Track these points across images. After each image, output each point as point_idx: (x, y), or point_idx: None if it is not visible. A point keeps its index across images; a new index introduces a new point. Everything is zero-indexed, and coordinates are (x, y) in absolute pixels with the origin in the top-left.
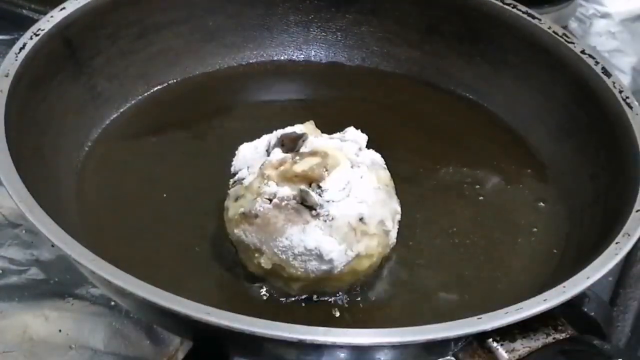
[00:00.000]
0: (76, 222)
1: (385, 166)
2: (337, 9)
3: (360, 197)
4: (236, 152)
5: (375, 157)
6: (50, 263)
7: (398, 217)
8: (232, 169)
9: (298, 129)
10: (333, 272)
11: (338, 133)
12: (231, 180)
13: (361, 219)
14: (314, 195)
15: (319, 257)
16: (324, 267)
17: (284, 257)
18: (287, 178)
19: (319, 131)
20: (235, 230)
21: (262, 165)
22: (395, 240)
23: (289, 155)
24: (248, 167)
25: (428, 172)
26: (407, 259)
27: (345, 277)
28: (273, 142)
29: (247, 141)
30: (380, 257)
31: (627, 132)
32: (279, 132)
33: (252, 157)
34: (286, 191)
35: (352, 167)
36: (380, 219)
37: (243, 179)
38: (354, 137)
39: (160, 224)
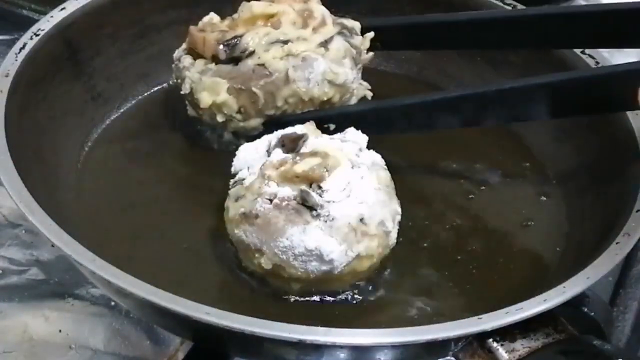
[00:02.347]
0: (76, 222)
1: (385, 167)
2: (337, 9)
3: (360, 198)
4: (236, 152)
5: (376, 157)
6: (50, 263)
7: (398, 217)
8: (233, 169)
9: (298, 129)
10: (333, 272)
11: (338, 134)
12: (231, 181)
13: (361, 220)
14: (314, 196)
15: (320, 257)
16: (325, 267)
17: (284, 257)
18: (288, 178)
19: (319, 131)
20: (236, 231)
21: (263, 165)
22: (395, 241)
23: (289, 155)
24: (248, 168)
25: (428, 171)
26: (408, 258)
27: (346, 278)
28: (273, 142)
29: (247, 141)
30: (380, 257)
31: (627, 132)
32: (279, 133)
33: (252, 157)
34: (287, 191)
35: (352, 167)
36: (381, 219)
37: (243, 179)
38: (354, 137)
39: (160, 224)
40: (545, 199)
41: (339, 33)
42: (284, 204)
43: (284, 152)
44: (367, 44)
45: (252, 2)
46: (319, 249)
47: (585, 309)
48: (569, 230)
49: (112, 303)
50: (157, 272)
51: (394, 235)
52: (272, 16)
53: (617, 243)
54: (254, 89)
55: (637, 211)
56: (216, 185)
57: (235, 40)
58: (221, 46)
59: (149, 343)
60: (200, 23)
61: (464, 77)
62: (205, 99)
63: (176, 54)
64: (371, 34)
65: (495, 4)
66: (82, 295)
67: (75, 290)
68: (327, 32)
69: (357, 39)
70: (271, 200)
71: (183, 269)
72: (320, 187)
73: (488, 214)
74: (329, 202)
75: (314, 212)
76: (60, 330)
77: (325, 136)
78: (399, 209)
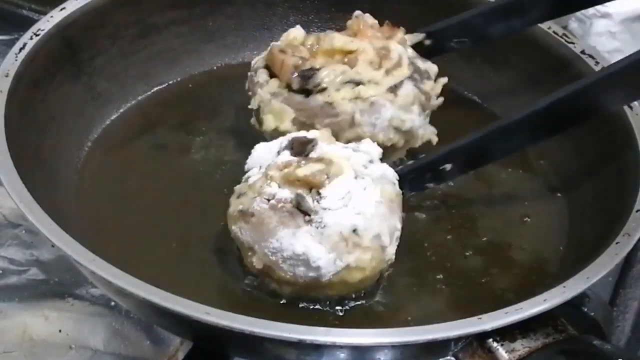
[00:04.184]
0: (76, 222)
1: (395, 182)
2: (337, 9)
3: (358, 209)
4: (252, 150)
5: (387, 171)
6: (50, 263)
7: (397, 234)
8: (246, 167)
9: (311, 134)
10: (321, 279)
11: (353, 143)
12: (243, 178)
13: (354, 231)
14: (309, 201)
15: (306, 263)
16: (312, 273)
17: (273, 258)
18: (289, 181)
19: (334, 139)
20: (233, 227)
21: (268, 165)
22: (393, 257)
23: (295, 158)
24: (260, 167)
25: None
26: (408, 258)
27: (336, 287)
28: (284, 144)
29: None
30: (375, 271)
31: (627, 132)
32: (290, 135)
33: (265, 157)
34: (285, 193)
35: (356, 177)
36: (377, 233)
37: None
38: (367, 148)
39: (161, 224)
40: (545, 199)
41: (410, 77)
42: (279, 205)
43: (291, 155)
44: (439, 90)
45: (334, 34)
46: (306, 255)
47: (585, 309)
48: (569, 230)
49: (112, 303)
50: (157, 272)
51: (391, 251)
52: (351, 52)
53: (617, 243)
54: (318, 126)
55: (637, 211)
56: (216, 185)
57: (311, 72)
58: (295, 75)
59: (149, 343)
60: (283, 37)
61: (464, 77)
62: (270, 122)
63: (254, 62)
64: (445, 80)
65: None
66: (82, 295)
67: (75, 290)
68: (400, 75)
69: (428, 84)
70: (269, 201)
71: (183, 268)
72: (319, 193)
73: (488, 215)
74: (324, 209)
75: (307, 217)
76: (60, 330)
77: (339, 144)
78: (399, 225)
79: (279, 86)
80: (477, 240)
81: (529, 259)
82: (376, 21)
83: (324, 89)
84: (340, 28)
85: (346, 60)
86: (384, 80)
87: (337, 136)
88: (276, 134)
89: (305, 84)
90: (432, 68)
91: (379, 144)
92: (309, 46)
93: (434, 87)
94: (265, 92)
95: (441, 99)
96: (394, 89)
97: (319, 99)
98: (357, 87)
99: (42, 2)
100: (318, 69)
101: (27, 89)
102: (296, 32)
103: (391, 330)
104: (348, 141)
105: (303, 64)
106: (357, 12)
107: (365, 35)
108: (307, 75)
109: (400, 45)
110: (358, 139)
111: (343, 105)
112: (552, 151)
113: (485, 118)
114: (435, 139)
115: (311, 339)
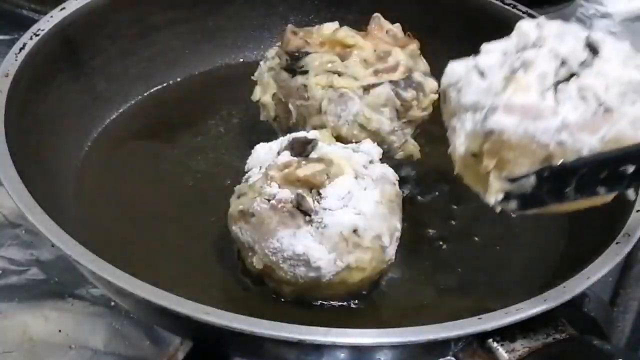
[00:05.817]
0: (76, 222)
1: (395, 182)
2: (337, 8)
3: (358, 209)
4: (252, 150)
5: (387, 171)
6: (50, 263)
7: (397, 234)
8: (246, 167)
9: (310, 134)
10: (321, 280)
11: (353, 143)
12: (243, 178)
13: (355, 231)
14: (309, 201)
15: (307, 263)
16: (312, 274)
17: (273, 259)
18: (289, 181)
19: (334, 139)
20: (233, 227)
21: (268, 166)
22: (393, 258)
23: (295, 158)
24: (260, 167)
25: (430, 172)
26: (407, 260)
27: (336, 287)
28: (284, 144)
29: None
30: (375, 272)
31: None
32: (291, 136)
33: (265, 157)
34: (286, 194)
35: (356, 178)
36: (377, 233)
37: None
38: (367, 149)
39: (161, 223)
40: None
41: (392, 82)
42: (279, 205)
43: (292, 155)
44: (426, 104)
45: (343, 28)
46: (306, 255)
47: (585, 309)
48: (570, 230)
49: (112, 303)
50: (157, 272)
51: (390, 251)
52: (349, 46)
53: (617, 243)
54: (290, 105)
55: (637, 211)
56: (216, 185)
57: (301, 54)
58: (285, 55)
59: (149, 343)
60: (316, 28)
61: None
62: (257, 92)
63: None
64: (434, 96)
65: (495, 4)
66: (82, 295)
67: (75, 290)
68: (385, 78)
69: (410, 93)
70: (269, 201)
71: (183, 269)
72: (319, 194)
73: (488, 215)
74: (325, 209)
75: (307, 218)
76: (60, 330)
77: (339, 144)
78: (399, 226)
79: (278, 63)
80: (477, 240)
81: (528, 259)
82: (393, 27)
83: (306, 72)
84: None
85: (342, 52)
86: (365, 78)
87: (305, 120)
88: (261, 105)
89: (292, 65)
90: (429, 84)
91: (342, 138)
92: (323, 35)
93: (420, 98)
94: (265, 66)
95: (424, 113)
96: (368, 87)
97: (299, 80)
98: (333, 75)
99: (42, 2)
100: (309, 53)
101: (27, 89)
102: (329, 25)
103: (391, 330)
104: (314, 128)
105: (304, 47)
106: (376, 14)
107: (374, 37)
108: (297, 56)
109: (410, 56)
110: (323, 126)
111: (314, 90)
112: None
113: None
114: (417, 155)
115: (311, 339)
